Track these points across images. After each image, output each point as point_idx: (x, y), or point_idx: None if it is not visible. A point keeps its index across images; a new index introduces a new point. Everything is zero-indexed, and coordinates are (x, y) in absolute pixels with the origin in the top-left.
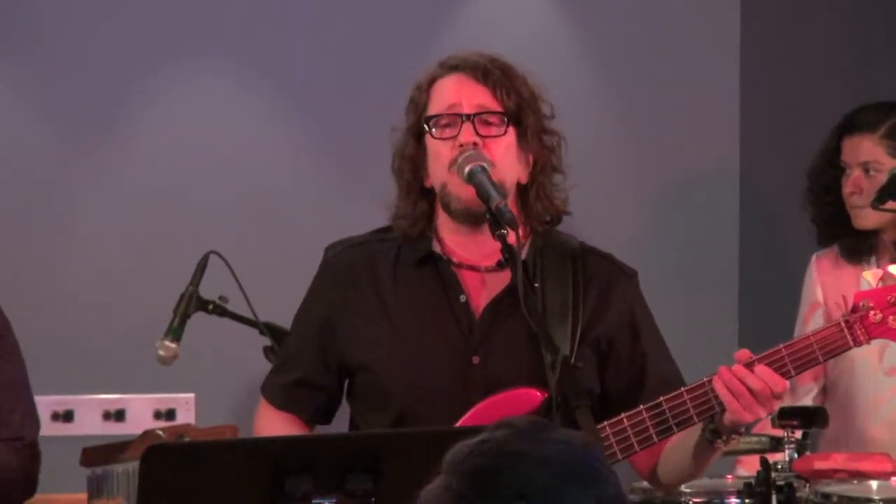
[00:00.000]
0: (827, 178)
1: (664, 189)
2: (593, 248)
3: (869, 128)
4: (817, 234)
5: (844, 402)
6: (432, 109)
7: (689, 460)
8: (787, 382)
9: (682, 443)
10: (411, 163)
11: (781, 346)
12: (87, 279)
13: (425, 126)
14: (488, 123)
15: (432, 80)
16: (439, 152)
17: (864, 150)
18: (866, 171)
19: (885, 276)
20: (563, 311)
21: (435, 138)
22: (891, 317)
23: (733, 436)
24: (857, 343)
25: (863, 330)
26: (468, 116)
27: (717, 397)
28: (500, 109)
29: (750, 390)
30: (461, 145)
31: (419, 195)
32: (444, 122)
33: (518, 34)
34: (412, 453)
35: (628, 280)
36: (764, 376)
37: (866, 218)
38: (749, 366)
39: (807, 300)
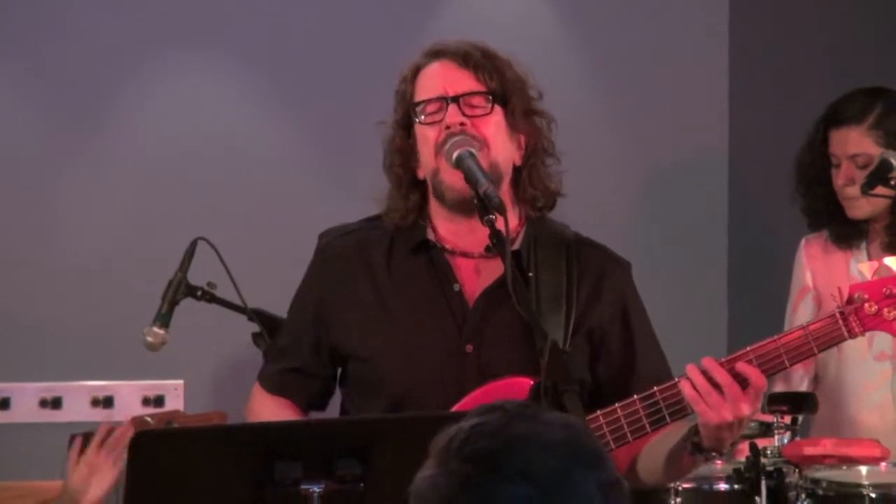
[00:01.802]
0: (816, 170)
1: (653, 177)
2: (588, 238)
3: (855, 120)
4: (808, 223)
5: (835, 387)
6: (418, 97)
7: (665, 465)
8: (765, 380)
9: (659, 447)
10: (401, 155)
11: (776, 337)
12: (76, 266)
13: (412, 114)
14: (473, 105)
15: (416, 70)
16: (426, 137)
17: (852, 142)
18: (856, 162)
19: (881, 268)
20: (557, 301)
21: (422, 124)
22: (885, 309)
23: (713, 454)
24: (852, 335)
25: (857, 322)
26: (453, 98)
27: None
28: (483, 90)
29: (717, 387)
30: (448, 126)
31: (410, 187)
32: (429, 107)
33: (503, 23)
34: (402, 439)
35: (622, 271)
36: (743, 371)
37: (860, 209)
38: (733, 361)
39: (796, 285)
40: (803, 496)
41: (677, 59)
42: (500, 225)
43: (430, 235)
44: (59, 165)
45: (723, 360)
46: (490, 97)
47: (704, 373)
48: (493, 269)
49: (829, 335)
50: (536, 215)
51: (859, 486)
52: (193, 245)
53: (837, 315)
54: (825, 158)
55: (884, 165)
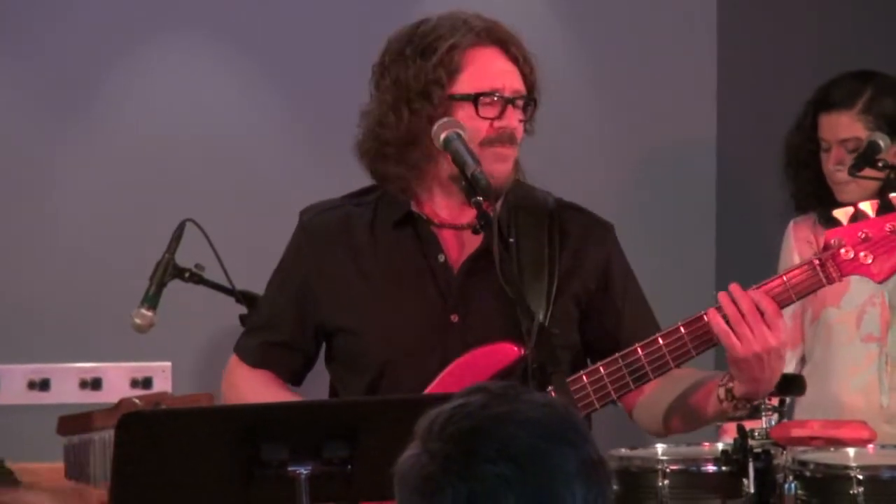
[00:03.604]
0: (804, 153)
1: (641, 162)
2: (570, 202)
3: (846, 104)
4: (795, 206)
5: (822, 368)
6: (473, 83)
7: (674, 414)
8: (775, 304)
9: (663, 397)
10: (417, 120)
11: (755, 287)
12: (64, 248)
13: (469, 100)
14: (518, 107)
15: (467, 47)
16: (477, 129)
17: (843, 126)
18: (846, 146)
19: (856, 213)
20: (539, 267)
21: (479, 117)
22: (862, 252)
23: (747, 403)
24: (830, 280)
25: (835, 267)
26: (510, 100)
27: (692, 341)
28: (526, 93)
29: (742, 314)
30: (506, 128)
31: (404, 149)
32: (486, 99)
33: (492, 6)
34: (389, 420)
35: (605, 232)
36: (755, 297)
37: (850, 192)
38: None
39: (784, 267)
40: (791, 478)
41: (667, 42)
42: (486, 206)
43: (414, 208)
44: (47, 148)
45: (731, 285)
46: (530, 101)
47: (734, 301)
48: (477, 239)
49: (807, 282)
50: (517, 186)
51: (847, 467)
52: (181, 227)
53: (815, 262)
54: (814, 142)
55: (871, 147)
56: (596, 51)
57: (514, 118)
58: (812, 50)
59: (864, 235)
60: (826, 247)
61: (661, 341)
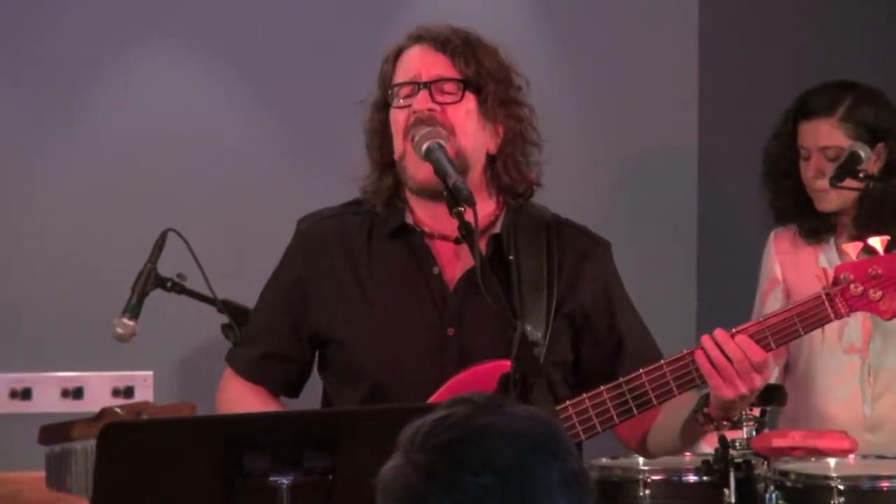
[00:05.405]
0: (784, 162)
1: (622, 167)
2: (567, 220)
3: (825, 112)
4: (774, 216)
5: (804, 379)
6: (395, 80)
7: (676, 437)
8: (765, 353)
9: (669, 423)
10: (378, 137)
11: (762, 318)
12: (46, 256)
13: (388, 96)
14: (445, 91)
15: (398, 52)
16: (397, 120)
17: (823, 134)
18: (826, 154)
19: (866, 249)
20: (538, 284)
21: (395, 108)
22: (871, 289)
23: (724, 422)
24: (838, 316)
25: (843, 303)
26: (425, 84)
27: (697, 369)
28: (456, 76)
29: (729, 360)
30: (415, 112)
31: (385, 169)
32: (403, 91)
33: (474, 13)
34: (371, 430)
35: (603, 251)
36: (742, 345)
37: (830, 201)
38: (733, 335)
39: (766, 277)
40: (772, 488)
41: (648, 52)
42: (468, 216)
43: (409, 219)
44: (29, 155)
45: (716, 331)
46: (462, 84)
47: (719, 346)
48: None
49: (816, 317)
50: (515, 203)
51: (827, 478)
52: (163, 236)
53: (823, 296)
54: (794, 151)
55: (852, 158)
56: (577, 60)
57: (424, 99)
58: (793, 60)
59: (874, 272)
60: (835, 281)
61: (665, 368)
